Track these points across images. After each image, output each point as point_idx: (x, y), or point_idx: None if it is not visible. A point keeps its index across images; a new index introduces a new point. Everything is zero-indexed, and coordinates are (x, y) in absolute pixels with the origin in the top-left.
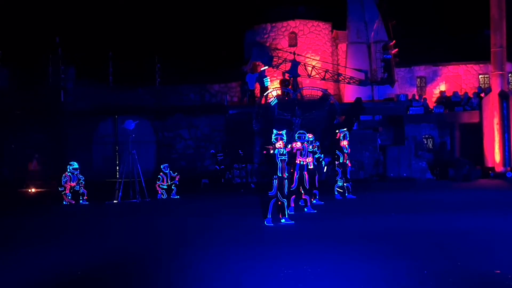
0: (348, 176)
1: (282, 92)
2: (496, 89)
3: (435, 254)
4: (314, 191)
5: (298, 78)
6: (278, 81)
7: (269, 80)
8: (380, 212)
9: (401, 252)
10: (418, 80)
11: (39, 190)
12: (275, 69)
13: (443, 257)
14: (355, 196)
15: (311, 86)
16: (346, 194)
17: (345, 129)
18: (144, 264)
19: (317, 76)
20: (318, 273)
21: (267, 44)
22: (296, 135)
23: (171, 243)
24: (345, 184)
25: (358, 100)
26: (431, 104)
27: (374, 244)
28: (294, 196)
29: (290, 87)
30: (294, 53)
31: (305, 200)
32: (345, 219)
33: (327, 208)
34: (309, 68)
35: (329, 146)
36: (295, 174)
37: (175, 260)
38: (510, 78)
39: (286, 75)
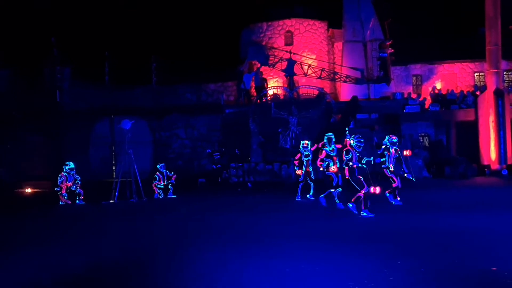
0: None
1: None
2: (491, 87)
3: (433, 253)
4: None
5: (294, 77)
6: (273, 80)
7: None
8: (378, 212)
9: (400, 251)
10: (414, 78)
11: (35, 190)
12: (271, 68)
13: (441, 255)
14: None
15: (307, 85)
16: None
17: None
18: (142, 264)
19: (313, 74)
20: (318, 272)
21: (263, 43)
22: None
23: (168, 243)
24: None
25: (354, 98)
26: (427, 102)
27: (373, 243)
28: None
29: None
30: (290, 52)
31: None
32: (343, 218)
33: (326, 207)
34: (305, 67)
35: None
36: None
37: (173, 260)
38: (505, 76)
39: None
